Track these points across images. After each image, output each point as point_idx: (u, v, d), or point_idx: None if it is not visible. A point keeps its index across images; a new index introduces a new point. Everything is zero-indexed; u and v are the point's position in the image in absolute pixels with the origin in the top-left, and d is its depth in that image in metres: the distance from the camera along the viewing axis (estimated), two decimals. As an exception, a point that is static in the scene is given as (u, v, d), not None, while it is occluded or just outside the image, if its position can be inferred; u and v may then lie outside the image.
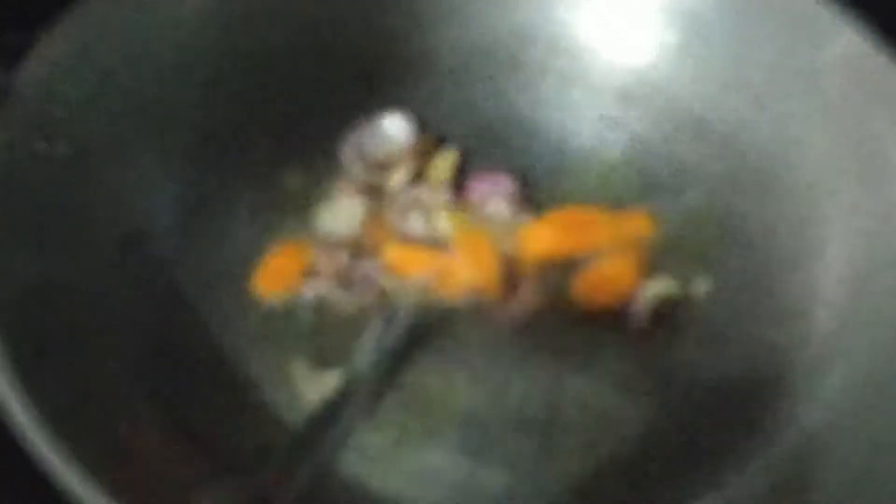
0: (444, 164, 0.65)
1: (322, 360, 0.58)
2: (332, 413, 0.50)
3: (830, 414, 0.53)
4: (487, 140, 0.68)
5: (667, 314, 0.61)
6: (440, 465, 0.54)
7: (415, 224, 0.62)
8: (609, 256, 0.63)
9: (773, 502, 0.51)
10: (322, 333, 0.59)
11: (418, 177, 0.65)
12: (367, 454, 0.54)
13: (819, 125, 0.59)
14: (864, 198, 0.57)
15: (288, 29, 0.64)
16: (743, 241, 0.62)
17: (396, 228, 0.62)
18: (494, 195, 0.64)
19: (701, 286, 0.61)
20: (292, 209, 0.63)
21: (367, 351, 0.55)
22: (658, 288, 0.61)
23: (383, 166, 0.65)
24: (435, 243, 0.62)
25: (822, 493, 0.49)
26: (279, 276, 0.60)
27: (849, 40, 0.57)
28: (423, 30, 0.67)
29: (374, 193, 0.64)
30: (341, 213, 0.63)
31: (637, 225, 0.64)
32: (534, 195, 0.66)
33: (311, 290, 0.60)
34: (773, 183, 0.62)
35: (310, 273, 0.60)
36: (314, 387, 0.56)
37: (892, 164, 0.55)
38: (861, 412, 0.52)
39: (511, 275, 0.61)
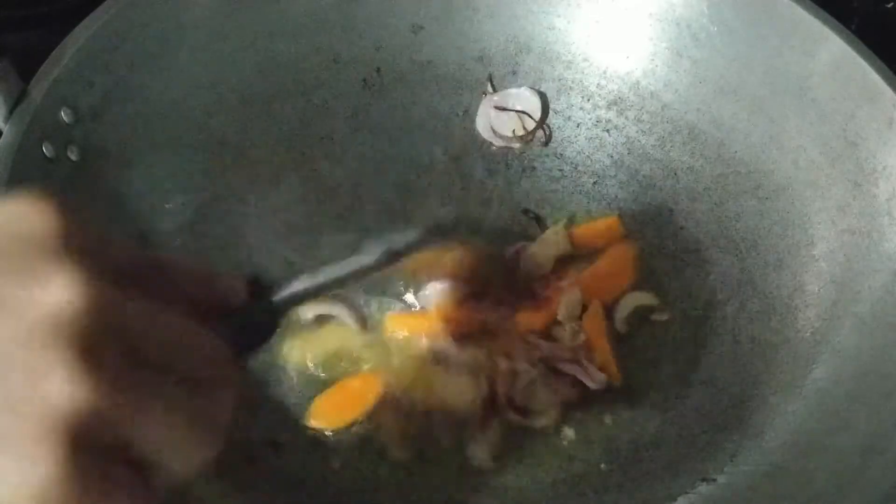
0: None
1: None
2: None
3: (818, 410, 0.54)
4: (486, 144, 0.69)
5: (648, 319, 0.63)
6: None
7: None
8: (606, 258, 0.64)
9: (764, 494, 0.52)
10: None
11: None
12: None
13: (808, 129, 0.60)
14: (852, 199, 0.57)
15: (294, 37, 0.65)
16: (733, 242, 0.63)
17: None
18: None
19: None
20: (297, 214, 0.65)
21: None
22: (639, 299, 0.63)
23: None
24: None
25: (811, 487, 0.50)
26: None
27: (837, 47, 0.58)
28: (423, 39, 0.68)
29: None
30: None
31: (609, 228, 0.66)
32: (532, 197, 0.68)
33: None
34: (763, 185, 0.63)
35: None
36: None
37: (879, 166, 0.56)
38: (849, 409, 0.52)
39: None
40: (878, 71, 0.56)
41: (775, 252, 0.61)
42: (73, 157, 0.54)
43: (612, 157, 0.68)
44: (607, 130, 0.69)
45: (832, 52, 0.58)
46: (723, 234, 0.64)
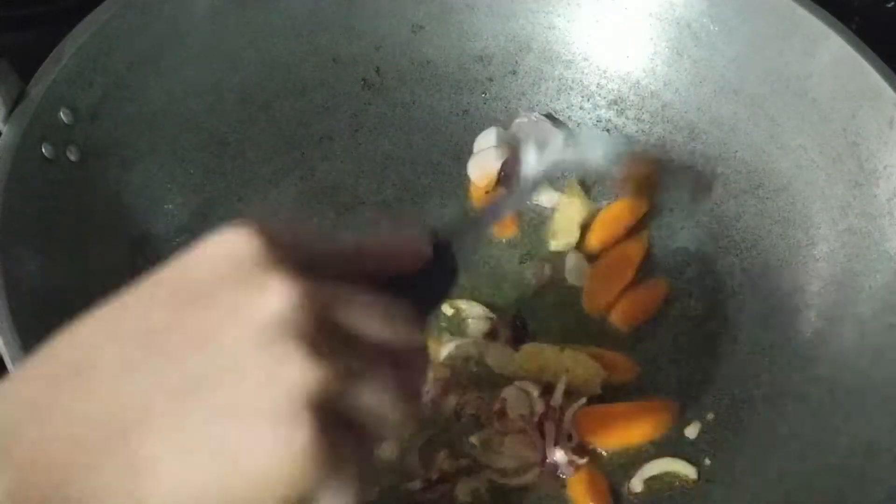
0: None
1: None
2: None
3: (819, 411, 0.54)
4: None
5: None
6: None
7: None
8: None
9: (765, 494, 0.52)
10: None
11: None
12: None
13: (809, 129, 0.60)
14: (853, 199, 0.57)
15: (292, 37, 0.65)
16: (734, 242, 0.63)
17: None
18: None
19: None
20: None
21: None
22: (670, 466, 0.56)
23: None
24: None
25: (812, 487, 0.50)
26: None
27: (838, 46, 0.58)
28: (423, 39, 0.68)
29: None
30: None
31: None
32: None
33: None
34: (763, 185, 0.63)
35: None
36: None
37: (880, 166, 0.56)
38: (849, 410, 0.52)
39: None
40: (879, 70, 0.56)
41: (776, 252, 0.61)
42: (73, 157, 0.54)
43: (612, 156, 0.68)
44: (607, 130, 0.69)
45: (833, 51, 0.58)
46: (723, 234, 0.64)
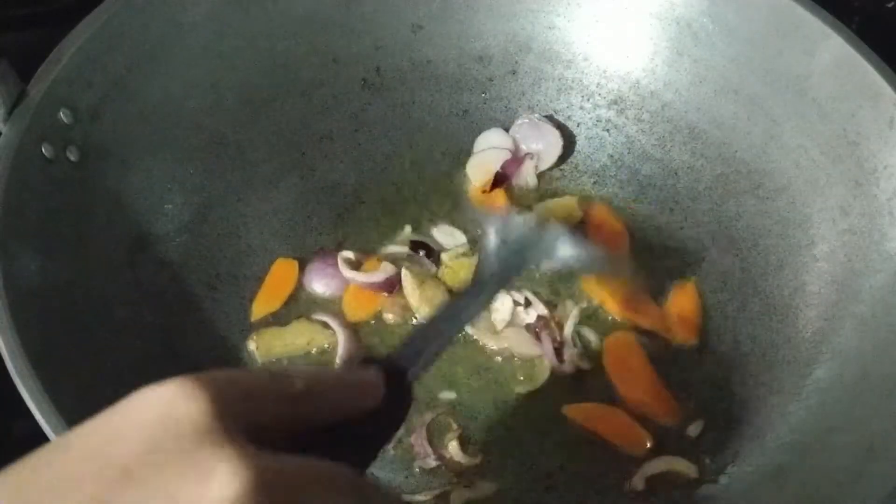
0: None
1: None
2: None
3: (818, 410, 0.54)
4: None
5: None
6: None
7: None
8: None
9: (765, 494, 0.52)
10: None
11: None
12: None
13: (809, 129, 0.60)
14: (852, 199, 0.57)
15: (293, 37, 0.65)
16: (734, 242, 0.63)
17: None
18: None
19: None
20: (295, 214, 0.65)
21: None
22: (673, 464, 0.56)
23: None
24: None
25: (811, 487, 0.50)
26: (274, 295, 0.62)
27: (838, 46, 0.58)
28: (422, 39, 0.68)
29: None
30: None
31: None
32: (532, 197, 0.68)
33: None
34: (763, 185, 0.63)
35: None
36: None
37: (880, 166, 0.56)
38: (849, 409, 0.52)
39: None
40: (879, 70, 0.56)
41: (776, 252, 0.61)
42: (73, 157, 0.54)
43: (611, 156, 0.68)
44: (607, 130, 0.69)
45: (833, 51, 0.58)
46: (723, 234, 0.64)
